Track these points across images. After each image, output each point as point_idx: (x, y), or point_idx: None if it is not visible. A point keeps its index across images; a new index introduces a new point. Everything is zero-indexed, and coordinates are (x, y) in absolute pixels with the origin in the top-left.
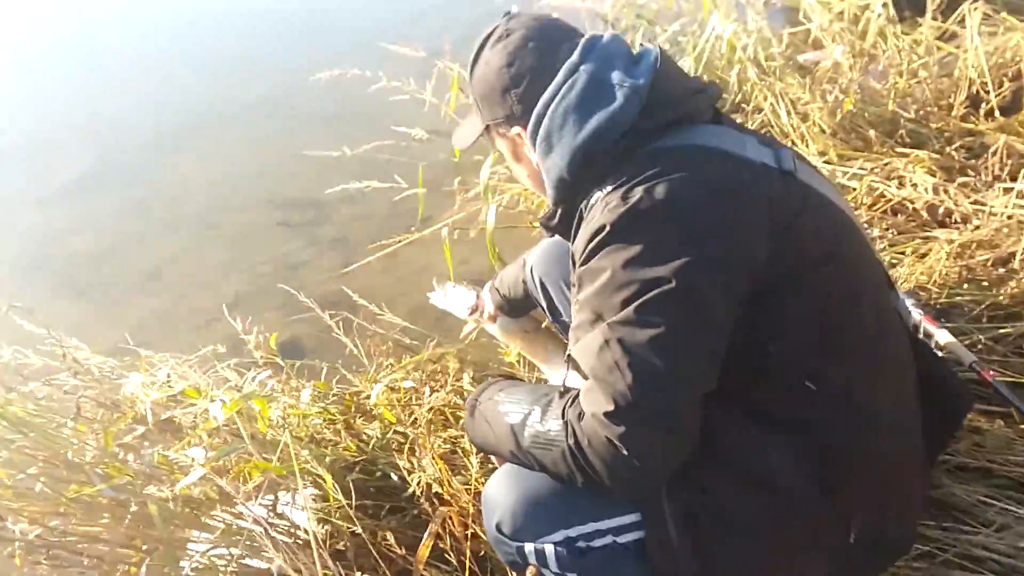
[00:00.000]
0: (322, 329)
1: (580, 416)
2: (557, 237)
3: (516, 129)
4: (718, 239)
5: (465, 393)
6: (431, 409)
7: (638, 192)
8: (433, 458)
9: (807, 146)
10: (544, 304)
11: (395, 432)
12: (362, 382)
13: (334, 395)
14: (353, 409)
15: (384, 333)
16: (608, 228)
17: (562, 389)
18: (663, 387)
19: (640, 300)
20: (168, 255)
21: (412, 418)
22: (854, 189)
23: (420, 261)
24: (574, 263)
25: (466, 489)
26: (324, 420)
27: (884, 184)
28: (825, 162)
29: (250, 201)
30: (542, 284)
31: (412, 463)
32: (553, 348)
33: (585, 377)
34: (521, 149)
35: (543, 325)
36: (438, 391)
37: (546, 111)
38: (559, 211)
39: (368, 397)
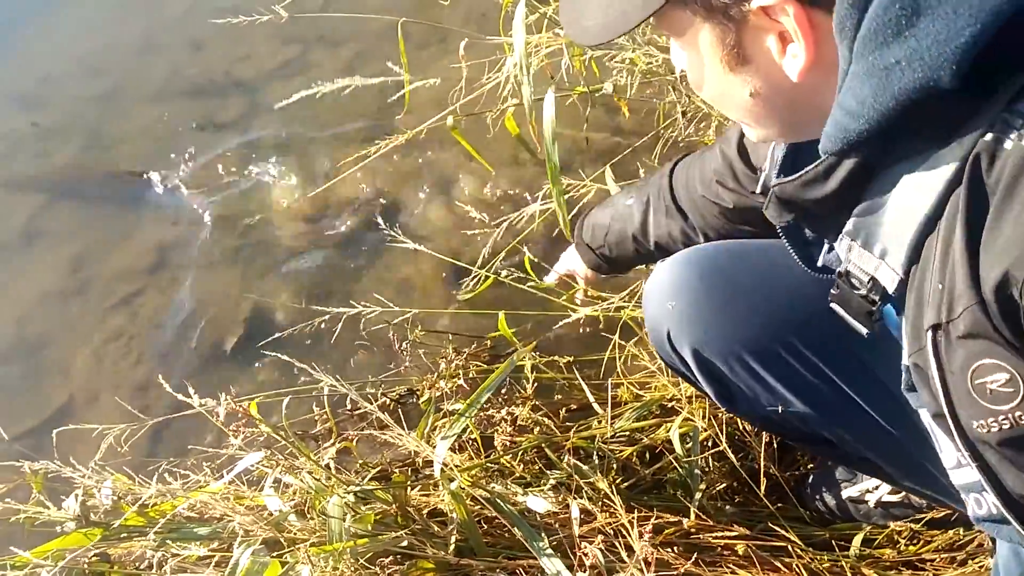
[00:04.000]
0: (304, 286)
1: None
2: (719, 255)
3: None
4: None
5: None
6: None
7: None
8: None
9: None
10: (710, 390)
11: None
12: (418, 436)
13: (374, 468)
14: (408, 488)
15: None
16: None
17: None
18: None
19: None
20: (38, 201)
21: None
22: None
23: (412, 159)
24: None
25: None
26: (371, 522)
27: None
28: None
29: (145, 95)
30: (702, 361)
31: None
32: None
33: None
34: (757, 42)
35: None
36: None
37: None
38: (848, 166)
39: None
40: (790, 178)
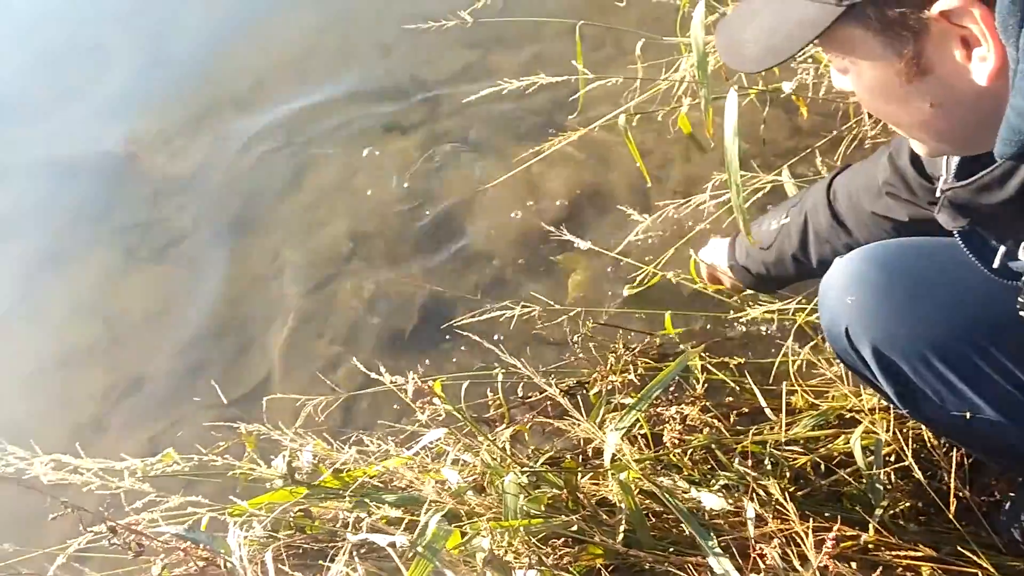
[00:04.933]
0: (478, 276)
1: None
2: (901, 249)
3: (949, 2)
4: None
5: None
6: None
7: None
8: None
9: None
10: (890, 391)
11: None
12: (589, 421)
13: (544, 454)
14: (578, 475)
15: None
16: None
17: None
18: None
19: None
20: (250, 190)
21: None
22: None
23: (583, 157)
24: None
25: None
26: (543, 503)
27: None
28: None
29: (338, 97)
30: (882, 359)
31: None
32: None
33: None
34: (940, 49)
35: None
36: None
37: None
38: None
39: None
40: (963, 183)
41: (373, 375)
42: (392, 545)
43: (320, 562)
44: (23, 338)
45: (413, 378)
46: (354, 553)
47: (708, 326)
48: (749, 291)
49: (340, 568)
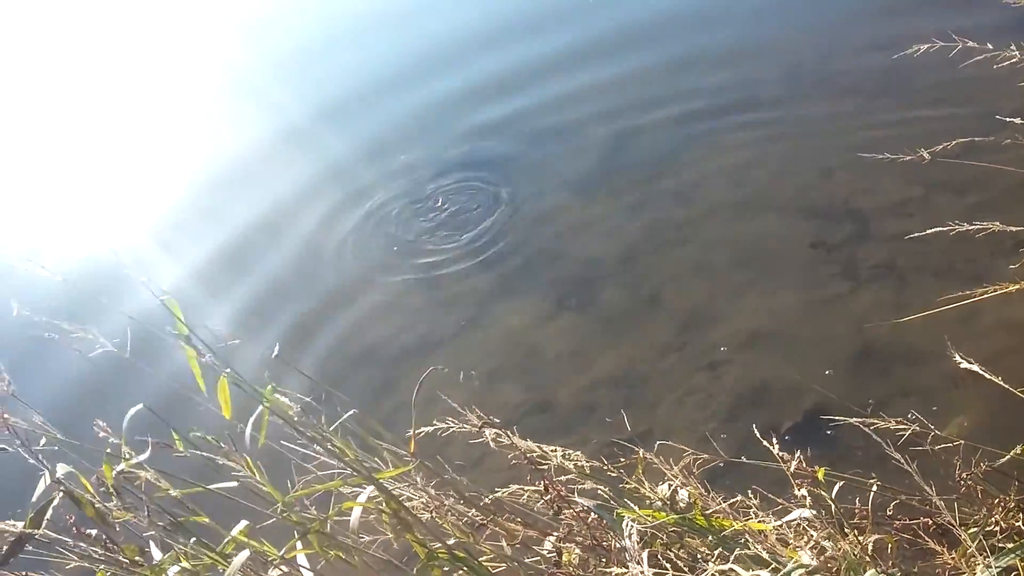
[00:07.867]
0: (863, 399)
1: None
2: None
3: None
4: None
5: None
6: None
7: None
8: None
9: None
10: None
11: None
12: (957, 554)
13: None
14: None
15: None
16: None
17: None
18: None
19: None
20: (668, 274)
21: None
22: None
23: (1015, 308)
24: None
25: None
26: None
27: None
28: None
29: (770, 207)
30: None
31: None
32: None
33: None
34: None
35: None
36: None
37: None
38: None
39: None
40: None
41: (766, 443)
42: None
43: None
44: (467, 349)
45: (799, 456)
46: None
47: None
48: None
49: None
